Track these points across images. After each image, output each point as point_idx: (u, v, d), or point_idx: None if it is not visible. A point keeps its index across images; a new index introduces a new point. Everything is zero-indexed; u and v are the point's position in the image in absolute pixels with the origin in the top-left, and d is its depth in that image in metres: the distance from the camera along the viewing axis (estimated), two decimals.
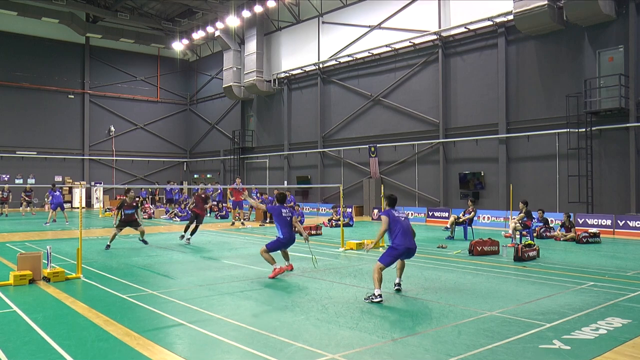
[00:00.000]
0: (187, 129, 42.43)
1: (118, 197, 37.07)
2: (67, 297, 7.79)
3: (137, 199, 14.64)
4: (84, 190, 31.82)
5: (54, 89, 36.07)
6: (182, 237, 14.93)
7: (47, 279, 8.91)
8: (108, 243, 13.60)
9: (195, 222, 15.26)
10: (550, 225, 16.92)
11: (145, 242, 14.24)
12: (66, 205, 33.47)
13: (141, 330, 6.01)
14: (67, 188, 34.84)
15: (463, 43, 23.01)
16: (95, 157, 37.91)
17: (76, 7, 34.19)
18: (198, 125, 41.39)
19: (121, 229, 13.95)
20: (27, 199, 28.46)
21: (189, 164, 42.27)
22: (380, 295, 7.40)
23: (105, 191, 36.70)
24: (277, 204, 9.92)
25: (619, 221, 17.29)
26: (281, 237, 9.45)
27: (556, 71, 19.87)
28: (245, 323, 6.38)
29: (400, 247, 7.70)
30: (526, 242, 12.25)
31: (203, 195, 15.78)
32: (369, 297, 7.49)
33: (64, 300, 7.61)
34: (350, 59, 27.99)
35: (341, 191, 16.11)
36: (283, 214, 9.47)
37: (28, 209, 28.59)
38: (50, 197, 22.81)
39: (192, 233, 14.98)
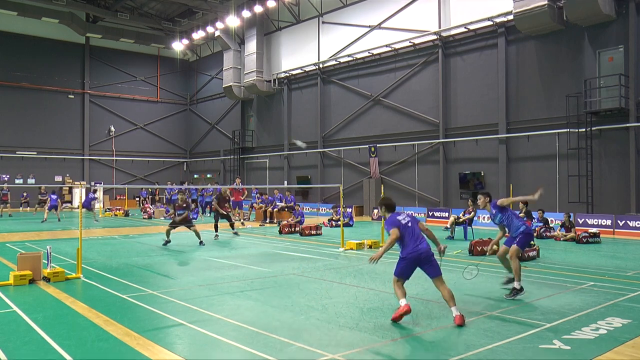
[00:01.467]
0: (187, 129, 42.42)
1: (118, 197, 37.17)
2: (67, 297, 7.79)
3: (187, 200, 15.71)
4: (84, 190, 31.81)
5: (54, 89, 36.07)
6: (217, 236, 16.13)
7: (47, 279, 8.90)
8: (166, 239, 14.33)
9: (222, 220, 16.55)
10: (550, 226, 16.92)
11: (201, 244, 14.31)
12: (66, 205, 33.56)
13: (141, 330, 6.01)
14: (67, 188, 34.88)
15: (463, 43, 23.01)
16: (95, 157, 37.91)
17: (76, 7, 34.21)
18: (198, 125, 41.39)
19: (174, 227, 14.64)
20: (42, 199, 28.57)
21: (189, 164, 42.27)
22: (521, 288, 7.67)
23: (105, 191, 36.70)
24: (388, 216, 6.81)
25: (619, 221, 17.28)
26: (402, 255, 6.60)
27: (556, 71, 19.87)
28: (245, 323, 6.38)
29: (531, 232, 8.21)
30: None
31: (227, 197, 17.01)
32: (511, 293, 7.66)
33: (64, 300, 7.60)
34: (350, 59, 27.99)
35: (341, 191, 16.10)
36: (403, 222, 6.66)
37: (41, 208, 28.67)
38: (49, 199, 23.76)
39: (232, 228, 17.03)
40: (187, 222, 14.60)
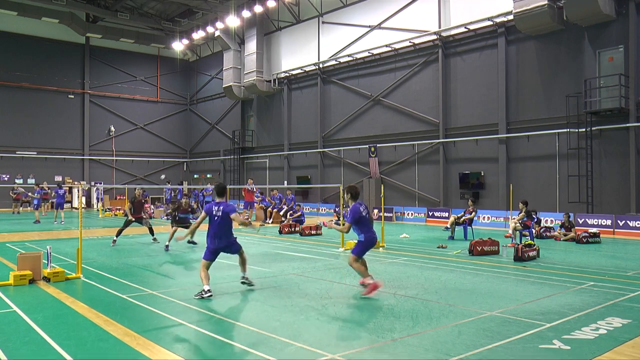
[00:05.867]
0: (187, 129, 42.43)
1: (118, 197, 37.18)
2: (67, 297, 7.79)
3: (193, 204, 14.67)
4: (83, 190, 31.82)
5: (54, 89, 36.06)
6: (115, 242, 14.39)
7: (47, 279, 8.90)
8: (167, 242, 13.49)
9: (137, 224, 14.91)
10: (550, 225, 16.94)
11: (194, 243, 14.13)
12: (66, 206, 33.58)
13: (141, 330, 6.01)
14: (67, 188, 34.87)
15: (463, 43, 23.00)
16: (95, 157, 37.91)
17: (76, 7, 34.18)
18: (198, 125, 41.39)
19: (177, 228, 13.83)
20: (44, 197, 28.48)
21: (189, 164, 42.27)
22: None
23: (105, 191, 36.71)
24: (353, 203, 8.21)
25: (619, 221, 17.29)
26: (362, 239, 8.08)
27: (556, 71, 19.87)
28: (245, 323, 6.38)
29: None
30: (526, 242, 12.25)
31: (143, 201, 15.19)
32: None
33: (64, 300, 7.60)
34: (350, 59, 27.98)
35: (341, 191, 16.08)
36: (363, 212, 8.09)
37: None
38: (55, 195, 23.57)
39: (152, 233, 15.00)
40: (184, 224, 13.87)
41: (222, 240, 7.94)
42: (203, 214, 8.16)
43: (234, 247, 8.17)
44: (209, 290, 7.69)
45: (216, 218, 7.92)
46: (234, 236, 8.17)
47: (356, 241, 8.35)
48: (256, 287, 8.58)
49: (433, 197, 24.15)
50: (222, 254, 8.15)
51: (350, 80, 28.26)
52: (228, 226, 7.99)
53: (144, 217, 15.49)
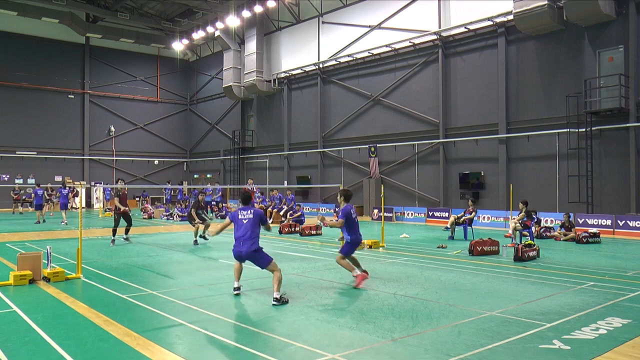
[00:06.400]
0: (187, 129, 42.44)
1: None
2: (67, 297, 7.79)
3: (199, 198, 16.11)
4: (83, 190, 31.79)
5: (54, 89, 36.07)
6: (116, 239, 14.57)
7: (47, 279, 8.90)
8: (195, 238, 14.80)
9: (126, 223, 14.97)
10: (550, 225, 16.93)
11: (205, 238, 15.16)
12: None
13: (141, 330, 6.00)
14: (69, 188, 34.86)
15: (463, 43, 23.01)
16: (95, 157, 37.92)
17: (76, 7, 34.19)
18: (198, 125, 41.40)
19: (198, 225, 15.11)
20: (47, 197, 28.43)
21: (189, 164, 42.28)
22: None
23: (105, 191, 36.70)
24: (345, 204, 8.91)
25: (619, 221, 17.28)
26: (349, 241, 8.81)
27: (556, 71, 19.87)
28: (245, 323, 6.38)
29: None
30: (526, 242, 12.25)
31: (126, 192, 15.27)
32: None
33: (64, 300, 7.60)
34: (350, 59, 27.99)
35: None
36: (352, 215, 8.83)
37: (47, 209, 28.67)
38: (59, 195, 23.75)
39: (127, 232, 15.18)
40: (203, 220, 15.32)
41: (244, 245, 7.50)
42: (227, 220, 7.97)
43: (260, 260, 7.60)
44: (235, 288, 7.96)
45: (245, 221, 7.59)
46: (260, 246, 7.67)
47: (342, 241, 9.29)
48: (255, 287, 8.58)
49: (433, 197, 24.16)
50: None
51: (350, 80, 28.26)
52: (254, 230, 7.57)
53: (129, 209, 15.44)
